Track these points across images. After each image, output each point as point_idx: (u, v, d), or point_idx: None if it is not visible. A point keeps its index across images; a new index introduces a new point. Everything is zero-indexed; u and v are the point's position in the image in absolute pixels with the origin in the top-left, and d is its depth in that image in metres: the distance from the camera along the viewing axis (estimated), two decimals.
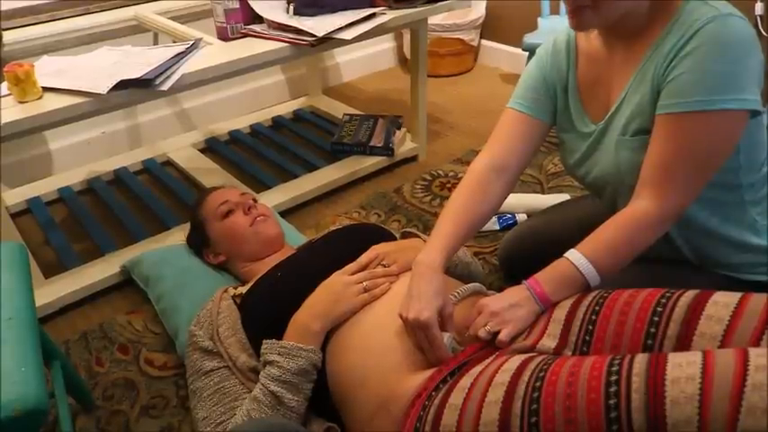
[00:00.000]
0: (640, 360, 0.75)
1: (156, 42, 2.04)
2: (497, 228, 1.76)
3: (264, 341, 1.05)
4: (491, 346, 0.95)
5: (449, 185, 2.03)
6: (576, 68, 1.12)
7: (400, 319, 0.99)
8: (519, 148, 1.15)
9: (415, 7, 1.79)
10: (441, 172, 2.11)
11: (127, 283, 1.62)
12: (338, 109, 2.51)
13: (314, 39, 1.57)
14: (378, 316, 1.04)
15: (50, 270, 1.65)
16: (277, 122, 2.50)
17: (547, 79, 1.14)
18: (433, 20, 2.72)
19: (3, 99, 1.32)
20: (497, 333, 0.94)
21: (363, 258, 1.13)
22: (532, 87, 1.15)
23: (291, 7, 1.69)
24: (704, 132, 0.92)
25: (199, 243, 1.47)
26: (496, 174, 1.14)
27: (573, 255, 0.97)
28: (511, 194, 1.19)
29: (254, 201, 1.44)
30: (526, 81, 1.17)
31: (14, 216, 1.93)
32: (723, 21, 0.89)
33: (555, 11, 2.47)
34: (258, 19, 1.67)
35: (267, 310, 1.13)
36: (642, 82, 0.98)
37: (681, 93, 0.91)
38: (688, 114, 0.91)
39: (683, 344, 0.82)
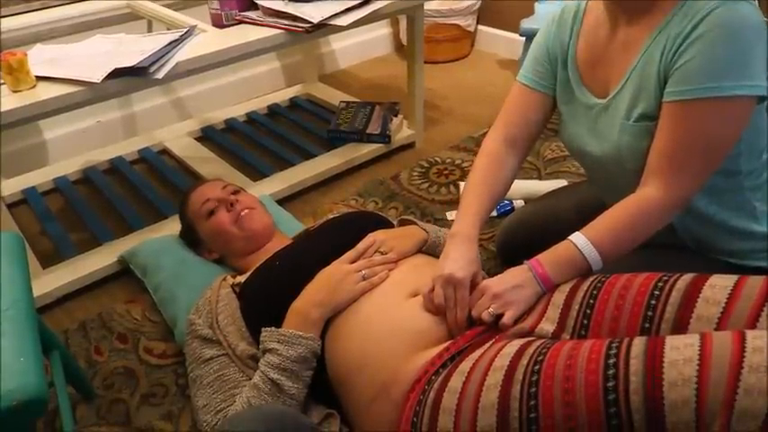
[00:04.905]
0: (638, 343, 0.76)
1: (149, 30, 2.02)
2: (495, 214, 1.76)
3: (264, 329, 1.06)
4: (491, 329, 0.96)
5: (446, 172, 2.02)
6: (577, 41, 1.10)
7: (432, 281, 1.00)
8: (527, 121, 1.17)
9: None
10: (438, 159, 2.10)
11: (125, 273, 1.62)
12: (334, 96, 2.49)
13: (309, 25, 1.56)
14: (376, 303, 1.04)
15: (48, 260, 1.65)
16: (273, 110, 2.48)
17: (549, 50, 1.14)
18: (430, 5, 2.70)
19: None
20: (500, 315, 0.94)
21: (361, 246, 1.14)
22: (537, 60, 1.15)
23: None
24: (713, 120, 0.91)
25: (192, 242, 1.48)
26: (508, 146, 1.16)
27: (577, 238, 0.97)
28: None
29: (237, 192, 1.42)
30: (533, 53, 1.17)
31: (10, 206, 1.92)
32: (732, 5, 0.88)
33: None
34: (253, 5, 1.66)
35: (266, 299, 1.13)
36: (648, 65, 0.96)
37: (689, 79, 0.90)
38: (697, 101, 0.90)
39: (681, 327, 0.82)
